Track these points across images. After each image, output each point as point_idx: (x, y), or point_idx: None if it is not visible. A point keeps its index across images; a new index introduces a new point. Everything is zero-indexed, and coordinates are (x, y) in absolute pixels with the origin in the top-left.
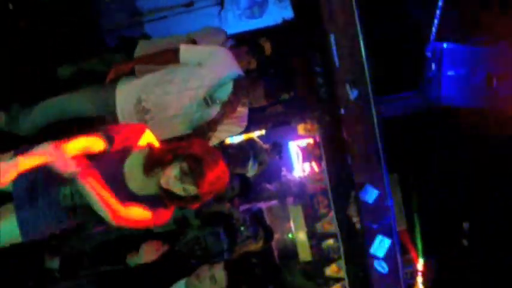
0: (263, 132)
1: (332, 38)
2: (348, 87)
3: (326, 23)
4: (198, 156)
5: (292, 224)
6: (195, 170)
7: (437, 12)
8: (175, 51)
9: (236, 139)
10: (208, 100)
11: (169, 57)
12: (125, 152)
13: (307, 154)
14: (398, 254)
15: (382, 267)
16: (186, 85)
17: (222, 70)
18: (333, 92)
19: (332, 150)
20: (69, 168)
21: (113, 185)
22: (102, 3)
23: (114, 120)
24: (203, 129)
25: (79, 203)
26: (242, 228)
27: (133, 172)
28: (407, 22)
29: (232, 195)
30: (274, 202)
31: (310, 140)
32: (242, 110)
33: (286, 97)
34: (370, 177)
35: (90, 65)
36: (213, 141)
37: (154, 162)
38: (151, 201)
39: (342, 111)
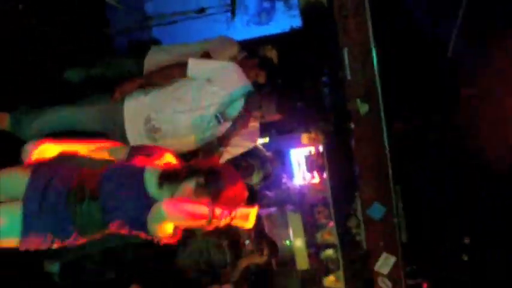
0: (266, 139)
1: (345, 51)
2: (358, 101)
3: (340, 36)
4: (215, 170)
5: (290, 231)
6: (211, 183)
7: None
8: (183, 66)
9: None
10: (219, 118)
11: (176, 72)
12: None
13: (309, 163)
14: (402, 271)
15: (386, 284)
16: (197, 104)
17: (233, 86)
18: (342, 105)
19: (335, 161)
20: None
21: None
22: (111, 5)
23: (123, 137)
24: (214, 145)
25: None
26: (247, 242)
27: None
28: (423, 37)
29: None
30: (273, 209)
31: (312, 149)
32: (254, 125)
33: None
34: (378, 193)
35: (99, 70)
36: (225, 157)
37: (168, 176)
38: None
39: (352, 125)
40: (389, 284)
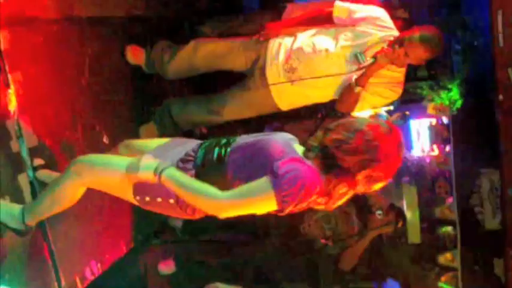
0: (390, 107)
1: (499, 14)
2: (510, 71)
3: None
4: None
5: (404, 203)
6: None
7: None
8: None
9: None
10: (359, 56)
11: (322, 19)
12: None
13: (434, 135)
14: None
15: None
16: (338, 43)
17: (376, 32)
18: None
19: (463, 134)
20: None
21: None
22: None
23: (264, 77)
24: (350, 88)
25: None
26: (379, 213)
27: None
28: None
29: None
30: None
31: (434, 120)
32: (398, 75)
33: (425, 74)
34: None
35: (234, 24)
36: (363, 106)
37: None
38: None
39: (500, 97)
40: None
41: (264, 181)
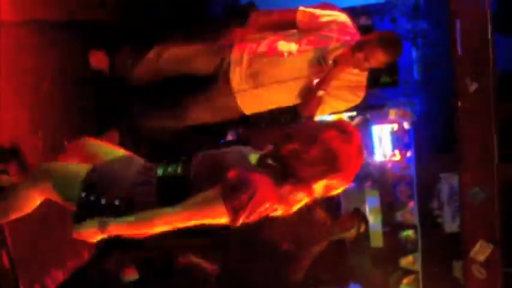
0: (354, 113)
1: (458, 23)
2: (468, 79)
3: (454, 6)
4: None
5: (366, 208)
6: None
7: None
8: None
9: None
10: (321, 59)
11: (286, 25)
12: None
13: (393, 140)
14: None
15: (480, 272)
16: (301, 47)
17: (339, 36)
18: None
19: (423, 140)
20: None
21: None
22: None
23: (227, 82)
24: (312, 91)
25: None
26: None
27: None
28: None
29: None
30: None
31: (396, 126)
32: (360, 79)
33: (387, 80)
34: (480, 176)
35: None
36: (326, 110)
37: None
38: None
39: (459, 103)
40: (483, 272)
41: (214, 191)
